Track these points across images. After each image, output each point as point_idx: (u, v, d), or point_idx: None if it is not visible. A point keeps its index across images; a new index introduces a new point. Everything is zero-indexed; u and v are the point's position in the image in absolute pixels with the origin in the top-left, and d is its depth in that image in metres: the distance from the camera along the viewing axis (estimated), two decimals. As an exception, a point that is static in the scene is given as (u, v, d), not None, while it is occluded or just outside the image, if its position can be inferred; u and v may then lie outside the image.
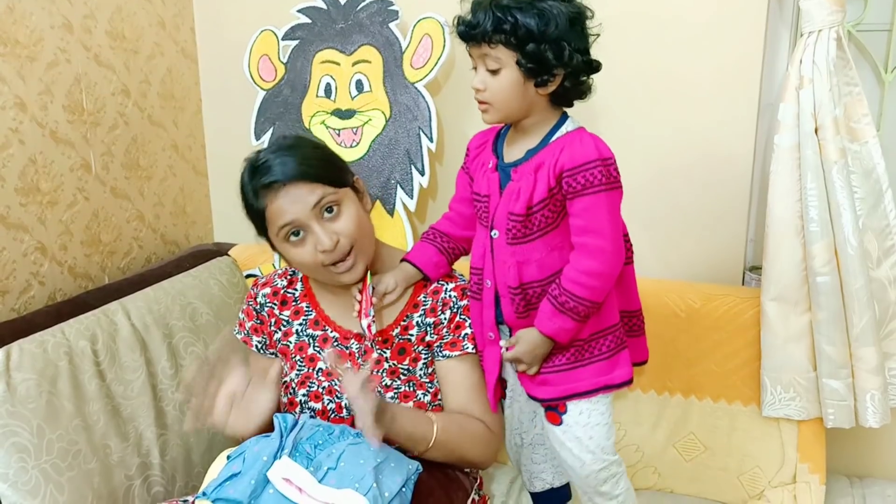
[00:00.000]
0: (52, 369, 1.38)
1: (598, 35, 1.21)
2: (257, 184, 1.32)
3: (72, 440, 1.36)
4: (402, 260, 1.41)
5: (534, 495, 1.52)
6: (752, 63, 1.66)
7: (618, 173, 1.20)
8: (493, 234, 1.28)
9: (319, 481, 1.19)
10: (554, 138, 1.23)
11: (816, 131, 1.48)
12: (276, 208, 1.31)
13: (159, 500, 1.47)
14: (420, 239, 1.44)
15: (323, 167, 1.35)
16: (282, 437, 1.25)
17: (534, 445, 1.46)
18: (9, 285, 1.59)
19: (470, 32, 1.20)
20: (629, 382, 1.31)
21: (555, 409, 1.31)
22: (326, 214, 1.32)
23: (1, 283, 1.57)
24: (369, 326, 1.33)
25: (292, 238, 1.32)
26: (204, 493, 1.20)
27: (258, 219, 1.35)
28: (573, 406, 1.30)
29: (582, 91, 1.24)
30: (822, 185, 1.48)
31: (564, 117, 1.25)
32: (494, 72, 1.20)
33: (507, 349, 1.29)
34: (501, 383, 1.42)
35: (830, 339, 1.52)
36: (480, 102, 1.24)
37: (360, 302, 1.35)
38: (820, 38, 1.45)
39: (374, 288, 1.36)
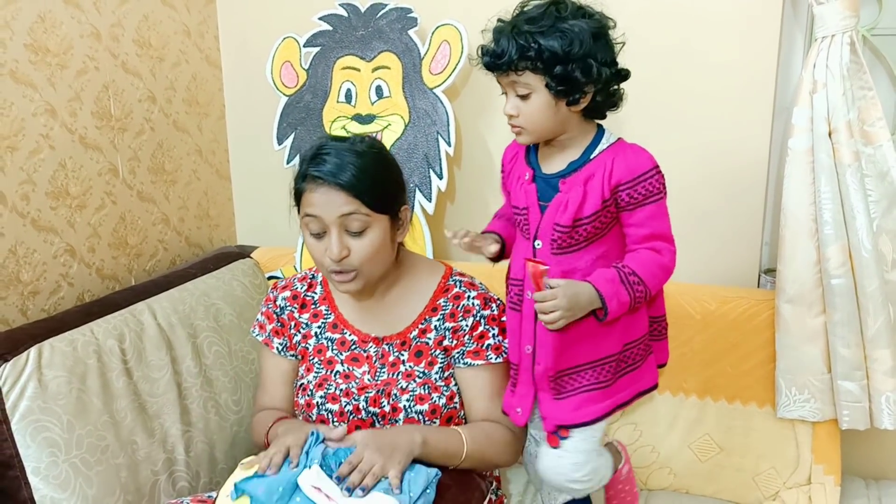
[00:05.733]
0: (82, 367, 1.42)
1: (624, 43, 1.22)
2: (306, 169, 1.35)
3: (100, 436, 1.40)
4: (484, 231, 1.41)
5: None
6: (767, 68, 1.67)
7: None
8: (536, 244, 1.27)
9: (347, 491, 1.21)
10: (598, 150, 1.24)
11: (830, 135, 1.49)
12: (311, 199, 1.34)
13: (184, 495, 1.50)
14: (496, 218, 1.44)
15: (371, 188, 1.32)
16: (309, 447, 1.26)
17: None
18: (39, 286, 1.64)
19: (496, 63, 1.19)
20: (656, 386, 1.34)
21: (555, 433, 1.32)
22: (350, 229, 1.33)
23: (32, 284, 1.62)
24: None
25: (313, 231, 1.35)
26: (235, 486, 1.22)
27: (297, 196, 1.38)
28: (578, 431, 1.32)
29: (614, 102, 1.24)
30: (836, 188, 1.49)
31: (601, 129, 1.26)
32: (525, 97, 1.20)
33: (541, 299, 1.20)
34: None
35: (845, 340, 1.53)
36: (514, 126, 1.24)
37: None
38: (833, 43, 1.47)
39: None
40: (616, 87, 1.23)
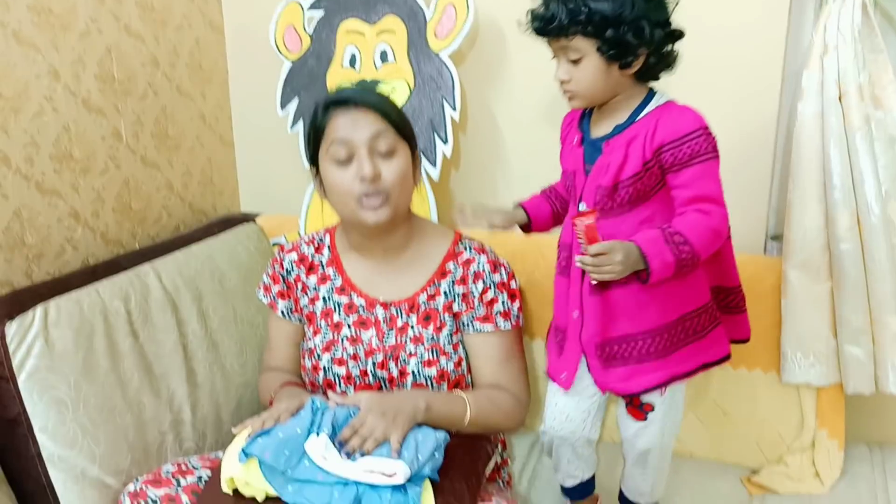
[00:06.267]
0: (88, 327, 1.42)
1: (678, 2, 1.19)
2: (330, 100, 1.36)
3: (107, 395, 1.40)
4: (518, 205, 1.41)
5: (564, 490, 1.53)
6: (777, 30, 1.65)
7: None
8: (580, 206, 1.26)
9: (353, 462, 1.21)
10: (644, 112, 1.21)
11: (840, 99, 1.48)
12: (337, 124, 1.33)
13: (191, 454, 1.51)
14: (540, 192, 1.44)
15: (398, 115, 1.37)
16: (313, 413, 1.26)
17: (574, 446, 1.44)
18: (44, 249, 1.63)
19: (546, 28, 1.18)
20: (727, 358, 1.30)
21: (639, 408, 1.32)
22: (380, 152, 1.33)
23: (37, 247, 1.62)
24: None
25: (340, 157, 1.32)
26: (242, 450, 1.22)
27: (316, 135, 1.36)
28: (661, 399, 1.31)
29: (668, 63, 1.21)
30: (845, 152, 1.48)
31: (652, 92, 1.24)
32: (576, 61, 1.19)
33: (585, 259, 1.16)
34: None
35: (852, 306, 1.53)
36: (566, 91, 1.23)
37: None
38: (845, 5, 1.45)
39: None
40: (670, 47, 1.19)
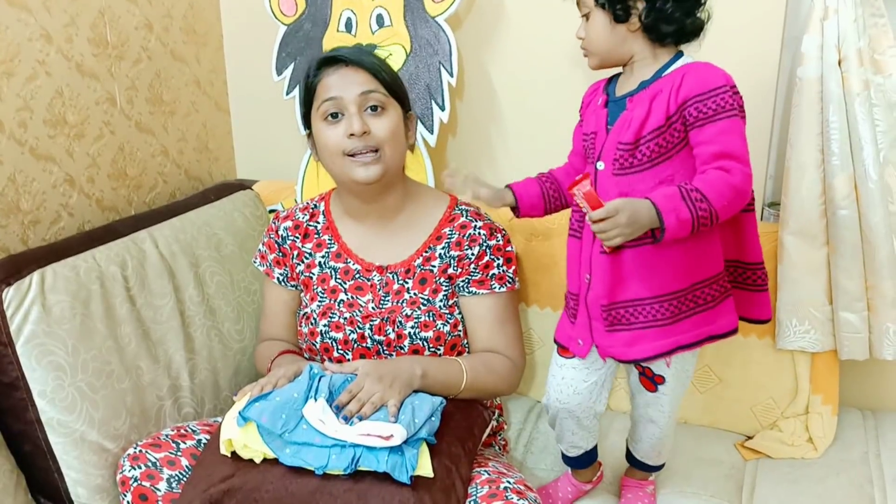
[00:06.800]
0: (85, 292, 1.42)
1: None
2: (322, 59, 1.37)
3: (105, 360, 1.41)
4: (507, 186, 1.39)
5: (566, 458, 1.50)
6: (777, -6, 1.63)
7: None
8: (598, 165, 1.23)
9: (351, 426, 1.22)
10: (670, 70, 1.19)
11: (840, 63, 1.47)
12: (327, 83, 1.35)
13: (189, 420, 1.53)
14: (535, 177, 1.41)
15: (389, 73, 1.38)
16: (311, 379, 1.27)
17: (579, 418, 1.40)
18: (39, 216, 1.63)
19: None
20: (734, 332, 1.26)
21: (650, 379, 1.32)
22: (370, 111, 1.34)
23: (32, 213, 1.61)
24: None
25: (329, 118, 1.35)
26: (240, 414, 1.23)
27: (308, 95, 1.38)
28: (670, 371, 1.30)
29: (669, 19, 1.17)
30: (843, 118, 1.48)
31: (680, 54, 1.21)
32: (587, 17, 1.21)
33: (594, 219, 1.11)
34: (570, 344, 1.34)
35: (848, 272, 1.53)
36: (582, 49, 1.25)
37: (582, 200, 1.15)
38: (847, -32, 1.43)
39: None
40: (669, 5, 1.15)
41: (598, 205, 1.10)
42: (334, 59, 1.37)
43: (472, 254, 1.42)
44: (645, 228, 1.10)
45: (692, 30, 1.19)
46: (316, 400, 1.23)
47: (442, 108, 1.80)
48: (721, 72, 1.15)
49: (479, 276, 1.42)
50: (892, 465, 1.54)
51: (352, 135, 1.32)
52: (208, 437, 1.35)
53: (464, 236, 1.42)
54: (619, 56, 1.23)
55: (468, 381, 1.37)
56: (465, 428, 1.35)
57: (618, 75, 1.28)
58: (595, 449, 1.48)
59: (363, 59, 1.36)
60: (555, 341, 1.38)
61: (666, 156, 1.18)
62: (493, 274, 1.43)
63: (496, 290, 1.43)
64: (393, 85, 1.37)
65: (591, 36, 1.22)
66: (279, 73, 1.95)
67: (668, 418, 1.39)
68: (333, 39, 1.88)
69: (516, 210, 1.38)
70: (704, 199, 1.09)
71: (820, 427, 1.61)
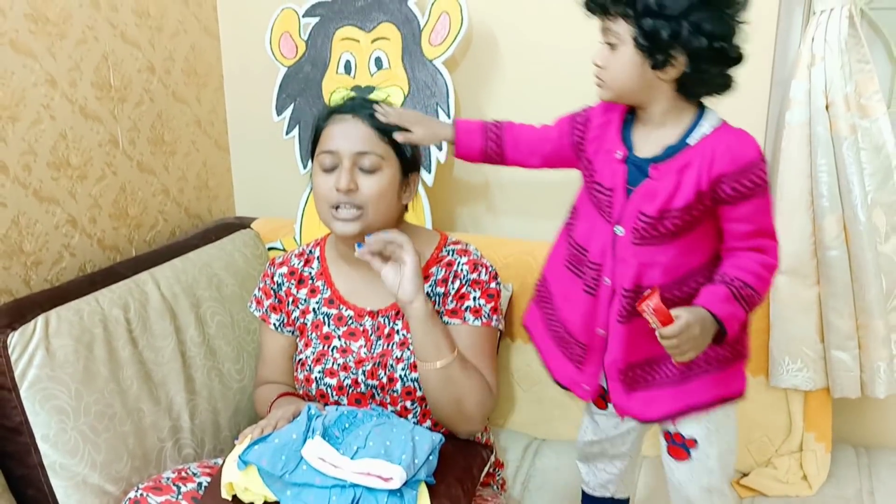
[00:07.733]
0: (88, 336, 1.43)
1: (744, 24, 1.10)
2: (333, 107, 1.41)
3: (107, 403, 1.42)
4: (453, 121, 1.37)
5: (587, 497, 1.48)
6: (765, 41, 1.67)
7: None
8: (616, 230, 1.16)
9: (351, 459, 1.22)
10: (696, 135, 1.12)
11: (827, 108, 1.51)
12: (329, 133, 1.38)
13: (190, 462, 1.53)
14: (485, 124, 1.35)
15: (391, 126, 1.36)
16: (309, 420, 1.28)
17: (613, 459, 1.40)
18: (42, 256, 1.65)
19: (591, 2, 1.12)
20: (742, 396, 1.23)
21: (681, 445, 1.26)
22: (363, 167, 1.35)
23: (34, 255, 1.63)
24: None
25: (325, 165, 1.37)
26: (240, 458, 1.24)
27: (314, 139, 1.42)
28: (702, 435, 1.24)
29: (707, 82, 1.10)
30: (832, 160, 1.52)
31: (702, 111, 1.14)
32: (613, 46, 1.11)
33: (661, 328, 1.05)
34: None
35: (838, 311, 1.56)
36: (596, 77, 1.16)
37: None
38: (832, 17, 1.48)
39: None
40: (712, 66, 1.08)
41: (669, 319, 1.04)
42: (343, 110, 1.38)
43: (453, 288, 1.42)
44: (713, 333, 1.08)
45: (722, 88, 1.13)
46: (313, 438, 1.25)
47: (439, 149, 1.83)
48: (752, 141, 1.10)
49: (454, 305, 1.42)
50: (886, 502, 1.55)
51: (338, 190, 1.34)
52: (208, 479, 1.35)
53: (449, 273, 1.44)
54: (640, 99, 1.14)
55: (455, 363, 1.34)
56: (464, 468, 1.36)
57: (633, 113, 1.20)
58: (627, 502, 1.46)
59: (365, 116, 1.36)
60: (555, 382, 1.34)
61: (690, 228, 1.13)
62: (468, 306, 1.41)
63: (469, 321, 1.41)
64: (397, 147, 1.38)
65: (614, 70, 1.12)
66: (279, 113, 1.98)
67: (709, 495, 1.28)
68: (333, 81, 1.92)
69: (452, 140, 1.34)
70: (755, 293, 1.09)
71: (814, 464, 1.62)
